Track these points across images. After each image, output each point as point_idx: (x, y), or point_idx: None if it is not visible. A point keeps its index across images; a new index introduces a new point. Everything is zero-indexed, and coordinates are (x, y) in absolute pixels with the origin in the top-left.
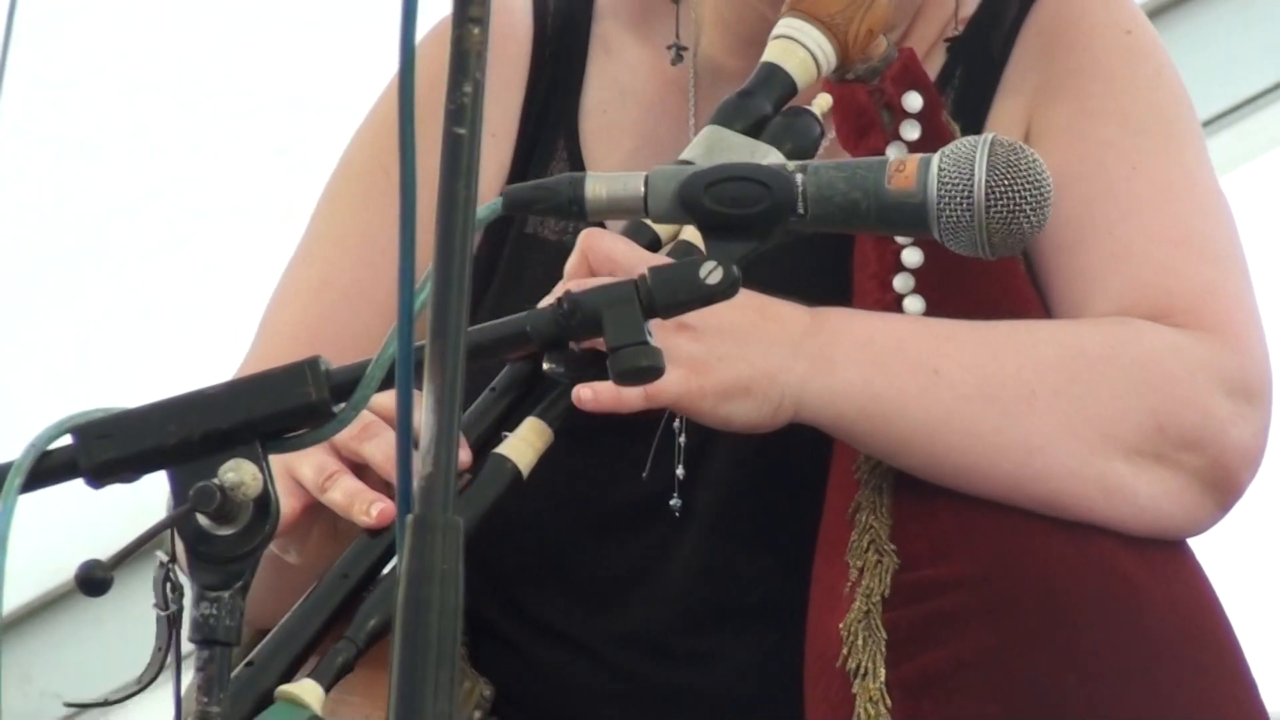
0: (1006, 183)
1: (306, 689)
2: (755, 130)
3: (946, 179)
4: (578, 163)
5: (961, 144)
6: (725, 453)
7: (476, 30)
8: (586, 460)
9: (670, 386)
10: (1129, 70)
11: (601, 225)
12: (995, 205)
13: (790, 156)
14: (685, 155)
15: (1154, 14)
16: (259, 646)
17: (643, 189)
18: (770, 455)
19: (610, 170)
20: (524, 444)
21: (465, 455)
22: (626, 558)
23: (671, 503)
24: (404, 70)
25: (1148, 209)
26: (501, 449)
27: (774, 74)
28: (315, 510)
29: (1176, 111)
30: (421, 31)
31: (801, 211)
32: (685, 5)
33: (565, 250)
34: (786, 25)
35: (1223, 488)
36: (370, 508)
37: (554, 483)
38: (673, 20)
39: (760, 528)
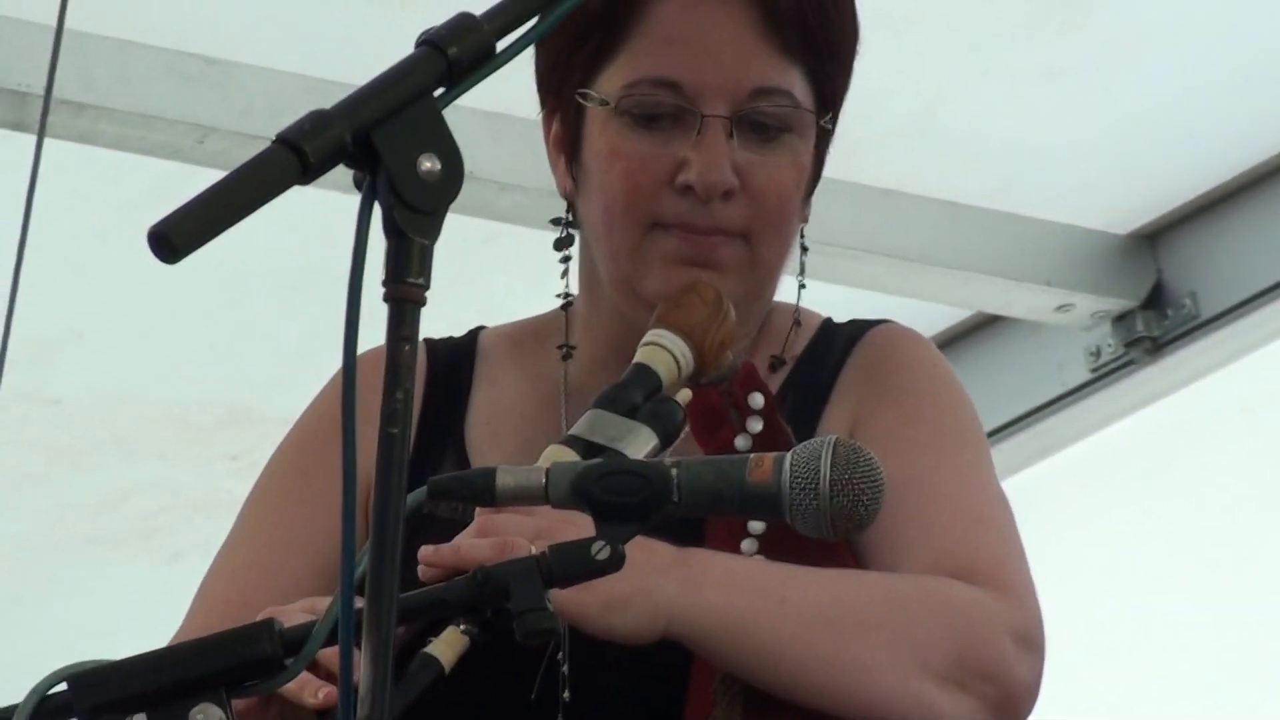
0: (848, 478)
1: None
2: (628, 415)
3: (797, 475)
4: (464, 463)
5: (809, 445)
6: (606, 681)
7: (407, 347)
8: (477, 692)
9: (559, 597)
10: (934, 392)
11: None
12: (838, 497)
13: (659, 436)
14: (574, 431)
15: (959, 336)
16: None
17: (544, 480)
18: (639, 687)
19: None
20: (446, 646)
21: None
22: None
23: None
24: (347, 384)
25: (949, 495)
26: (429, 649)
27: (644, 371)
28: (268, 701)
29: (971, 428)
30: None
31: (676, 500)
32: (569, 314)
33: (455, 526)
34: (655, 334)
35: (1009, 716)
36: (318, 691)
37: (452, 708)
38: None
39: None
